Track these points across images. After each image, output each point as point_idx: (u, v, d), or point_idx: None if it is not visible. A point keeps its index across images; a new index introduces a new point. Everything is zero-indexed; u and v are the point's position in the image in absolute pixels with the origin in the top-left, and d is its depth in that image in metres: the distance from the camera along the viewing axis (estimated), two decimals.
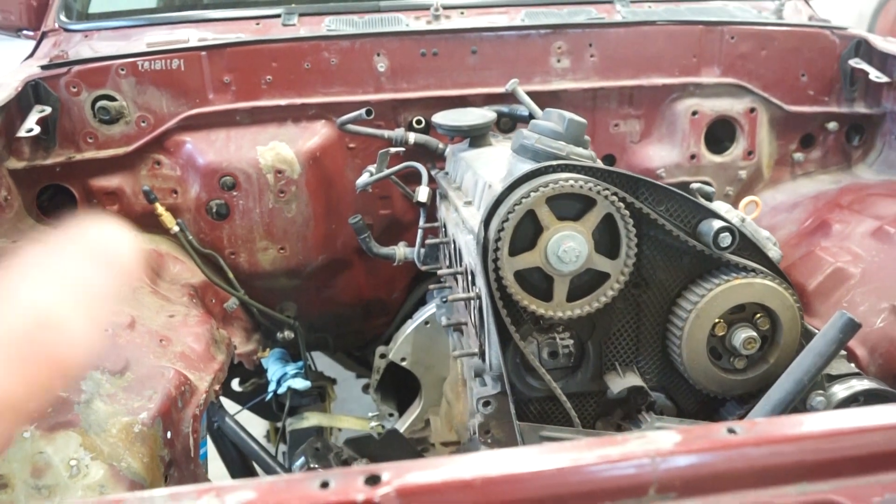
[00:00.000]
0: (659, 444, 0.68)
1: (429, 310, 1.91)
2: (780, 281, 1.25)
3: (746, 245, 1.27)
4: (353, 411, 2.43)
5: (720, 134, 2.14)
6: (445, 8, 2.07)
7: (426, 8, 2.07)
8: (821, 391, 1.23)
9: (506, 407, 1.27)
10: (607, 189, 1.17)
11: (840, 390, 1.26)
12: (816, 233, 1.90)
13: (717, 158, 2.12)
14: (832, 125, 2.18)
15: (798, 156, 2.20)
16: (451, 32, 1.98)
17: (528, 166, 1.22)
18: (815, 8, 2.42)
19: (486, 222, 1.19)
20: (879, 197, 1.94)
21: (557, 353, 1.25)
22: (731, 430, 0.70)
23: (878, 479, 0.69)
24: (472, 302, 1.36)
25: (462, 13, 2.11)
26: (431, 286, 1.76)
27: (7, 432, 0.47)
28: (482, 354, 1.32)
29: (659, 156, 2.11)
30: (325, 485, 0.65)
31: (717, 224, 1.21)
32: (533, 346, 1.25)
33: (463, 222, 1.43)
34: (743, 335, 1.23)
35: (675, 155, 2.10)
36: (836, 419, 0.72)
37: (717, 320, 1.23)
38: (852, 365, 1.33)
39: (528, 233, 1.18)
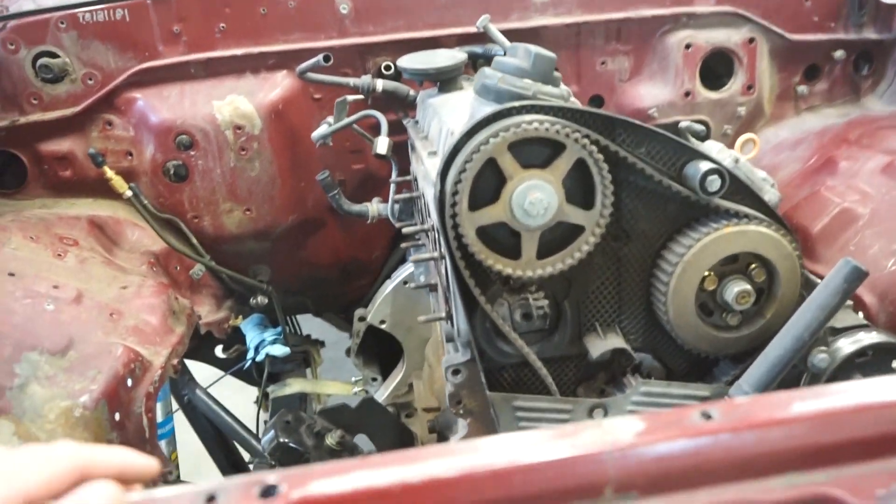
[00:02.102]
0: (616, 435, 0.57)
1: (407, 269, 1.79)
2: (778, 227, 1.12)
3: (739, 188, 1.13)
4: (347, 373, 2.34)
5: (717, 68, 1.98)
6: None
7: None
8: (823, 347, 1.11)
9: (477, 375, 1.16)
10: (578, 131, 1.03)
11: (845, 345, 1.14)
12: (822, 171, 1.76)
13: (713, 95, 1.96)
14: (839, 54, 2.01)
15: (802, 88, 2.04)
16: None
17: (489, 108, 1.08)
18: None
19: (444, 174, 1.06)
20: (891, 130, 1.78)
21: (531, 314, 1.13)
22: (705, 415, 0.58)
23: (882, 466, 0.58)
24: (438, 262, 1.24)
25: None
26: (405, 244, 1.64)
27: None
28: (450, 319, 1.21)
29: (651, 94, 1.95)
30: (210, 499, 0.54)
31: (705, 166, 1.07)
32: (504, 309, 1.14)
33: (428, 174, 1.30)
34: (736, 289, 1.10)
35: (668, 93, 1.94)
36: (831, 395, 0.59)
37: (706, 273, 1.11)
38: (860, 315, 1.21)
39: (490, 184, 1.05)
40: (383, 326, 1.83)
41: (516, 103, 1.06)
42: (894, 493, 0.56)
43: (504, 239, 1.09)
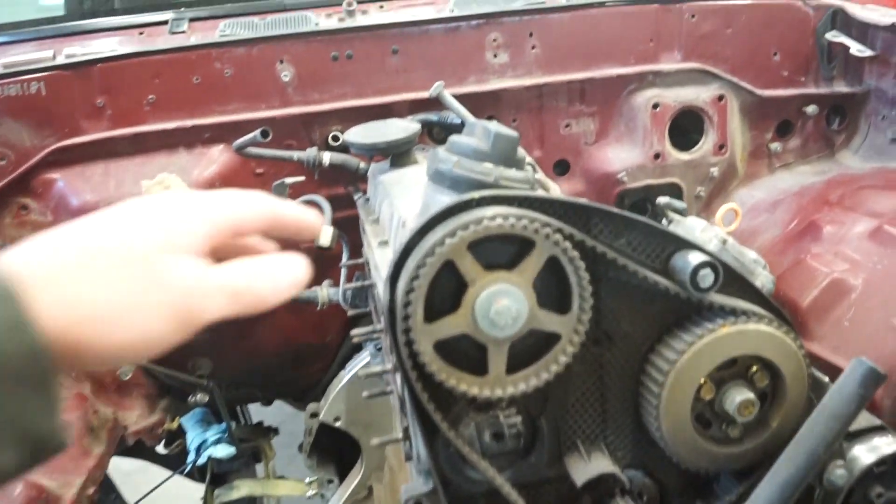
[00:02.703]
0: None
1: (363, 358, 1.62)
2: (779, 323, 0.97)
3: (733, 278, 0.99)
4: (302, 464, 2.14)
5: (686, 127, 1.88)
6: (360, 2, 1.77)
7: (339, 3, 1.77)
8: (840, 461, 0.97)
9: None
10: (548, 225, 0.88)
11: (862, 453, 1.00)
12: (805, 236, 1.64)
13: (684, 156, 1.85)
14: (811, 109, 1.93)
15: (775, 146, 1.95)
16: (367, 30, 1.68)
17: (445, 199, 0.93)
18: None
19: (393, 279, 0.90)
20: (873, 190, 1.69)
21: (503, 434, 0.96)
22: None
23: None
24: (392, 373, 1.07)
25: (381, 6, 1.83)
26: (354, 332, 1.46)
27: None
28: (407, 440, 1.03)
29: (619, 158, 1.83)
30: None
31: (695, 258, 0.93)
32: (470, 430, 0.97)
33: (377, 266, 1.14)
34: (738, 398, 0.95)
35: (637, 155, 1.83)
36: None
37: (702, 381, 0.96)
38: (872, 417, 1.07)
39: (448, 289, 0.89)
40: (338, 424, 1.65)
41: (475, 194, 0.91)
42: None
43: (468, 351, 0.92)
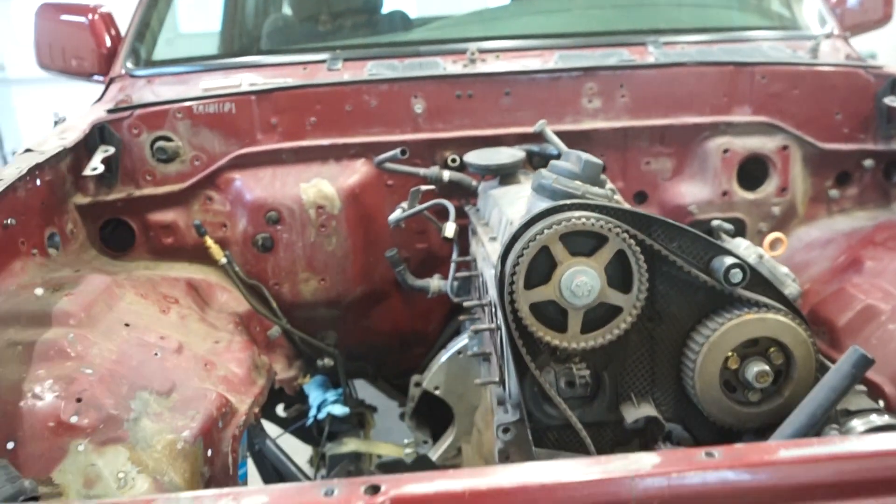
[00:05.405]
0: (639, 465, 0.74)
1: (461, 340, 1.98)
2: (794, 316, 1.28)
3: (760, 281, 1.30)
4: (395, 439, 2.50)
5: (754, 171, 2.16)
6: (481, 52, 2.17)
7: (463, 52, 2.18)
8: (835, 425, 1.25)
9: (525, 434, 1.32)
10: (618, 227, 1.22)
11: (858, 424, 1.27)
12: (848, 269, 1.90)
13: (749, 195, 2.14)
14: (868, 162, 2.18)
15: (833, 192, 2.21)
16: (485, 76, 2.07)
17: (545, 204, 1.28)
18: (865, 45, 2.43)
19: (504, 257, 1.26)
20: None
21: (574, 382, 1.30)
22: (709, 454, 0.75)
23: None
24: (494, 332, 1.42)
25: (497, 56, 2.21)
26: (463, 317, 1.83)
27: None
28: (503, 383, 1.38)
29: (690, 192, 2.14)
30: (329, 492, 0.72)
31: (729, 261, 1.25)
32: (550, 376, 1.31)
33: (488, 257, 1.50)
34: (756, 369, 1.26)
35: (707, 192, 2.13)
36: (808, 446, 0.75)
37: (729, 353, 1.27)
38: (875, 402, 1.34)
39: (543, 267, 1.24)
40: (437, 392, 2.00)
41: (567, 201, 1.27)
42: None
43: (553, 315, 1.27)
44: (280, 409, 2.58)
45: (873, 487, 0.72)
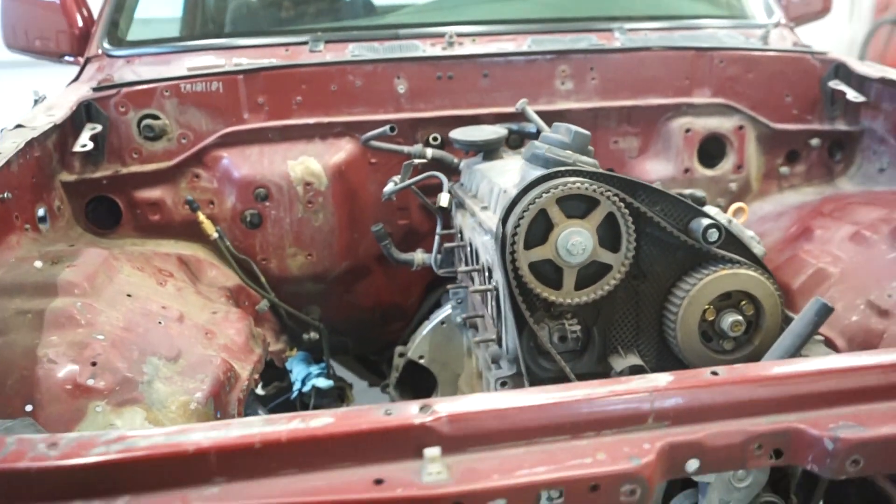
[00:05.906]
0: (656, 383, 0.85)
1: (444, 311, 2.07)
2: (763, 272, 1.42)
3: (732, 241, 1.44)
4: None
5: (712, 150, 2.32)
6: (459, 36, 2.27)
7: (441, 36, 2.27)
8: None
9: (522, 386, 1.43)
10: (609, 191, 1.34)
11: None
12: (800, 238, 2.07)
13: (708, 172, 2.30)
14: (815, 141, 2.36)
15: (784, 169, 2.38)
16: (464, 58, 2.17)
17: (539, 172, 1.39)
18: (807, 37, 2.63)
19: (504, 220, 1.36)
20: (858, 205, 2.11)
21: (566, 337, 1.41)
22: (713, 373, 0.87)
23: (833, 411, 0.85)
24: (489, 294, 1.53)
25: (474, 40, 2.31)
26: (449, 286, 1.93)
27: None
28: (499, 341, 1.49)
29: (655, 170, 2.28)
30: (388, 413, 0.81)
31: (706, 221, 1.38)
32: (545, 331, 1.42)
33: (480, 224, 1.60)
34: (730, 319, 1.39)
35: (671, 169, 2.28)
36: (798, 365, 0.88)
37: (706, 306, 1.40)
38: (831, 350, 1.50)
39: (540, 229, 1.35)
40: (422, 361, 2.09)
41: (561, 168, 1.38)
42: (841, 427, 0.83)
43: (549, 273, 1.38)
44: (259, 388, 2.64)
45: (851, 396, 0.85)
